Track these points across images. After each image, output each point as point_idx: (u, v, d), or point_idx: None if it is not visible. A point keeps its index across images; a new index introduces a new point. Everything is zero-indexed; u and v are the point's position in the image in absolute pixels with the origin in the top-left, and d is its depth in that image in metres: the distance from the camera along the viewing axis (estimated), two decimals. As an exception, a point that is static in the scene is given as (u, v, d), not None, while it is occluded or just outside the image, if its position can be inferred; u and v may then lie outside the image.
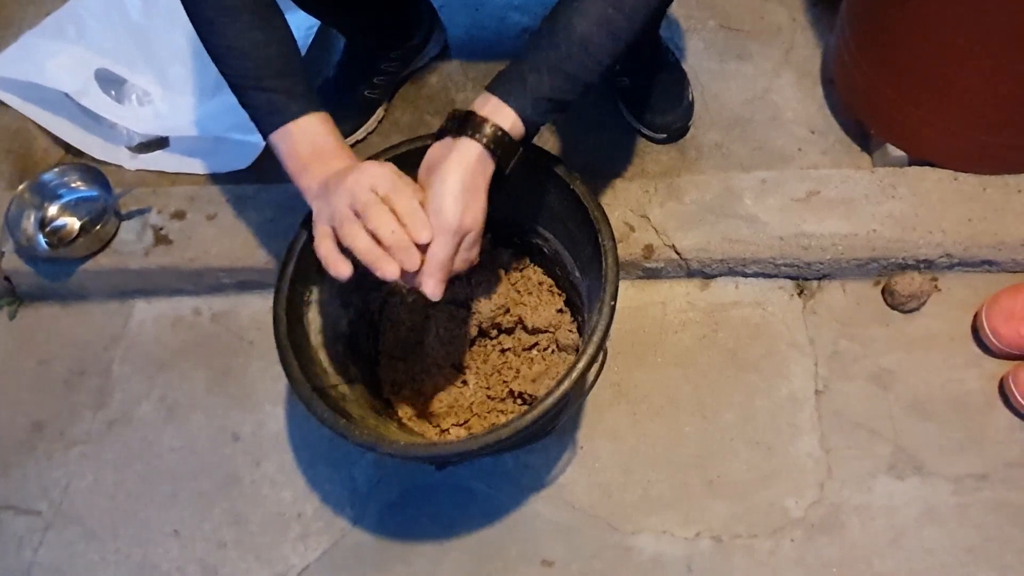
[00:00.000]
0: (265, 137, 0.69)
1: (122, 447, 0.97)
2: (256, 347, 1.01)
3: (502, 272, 0.88)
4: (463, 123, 0.63)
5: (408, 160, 0.79)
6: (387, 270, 0.60)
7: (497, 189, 0.65)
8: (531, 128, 0.65)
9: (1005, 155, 0.90)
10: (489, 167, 0.63)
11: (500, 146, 0.62)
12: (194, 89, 1.13)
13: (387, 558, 0.87)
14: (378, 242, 0.61)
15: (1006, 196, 0.91)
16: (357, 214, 0.61)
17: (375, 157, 0.78)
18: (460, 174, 0.61)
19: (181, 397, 0.99)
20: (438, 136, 0.65)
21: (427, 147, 0.79)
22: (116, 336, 1.04)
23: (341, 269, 0.62)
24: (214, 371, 1.00)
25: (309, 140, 0.67)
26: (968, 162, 0.92)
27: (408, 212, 0.61)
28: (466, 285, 0.87)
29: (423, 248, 0.61)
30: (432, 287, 0.61)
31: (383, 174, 0.62)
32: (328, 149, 0.68)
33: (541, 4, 1.20)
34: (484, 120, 0.62)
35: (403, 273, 0.61)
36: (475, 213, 0.63)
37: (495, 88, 0.64)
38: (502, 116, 0.63)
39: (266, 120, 0.68)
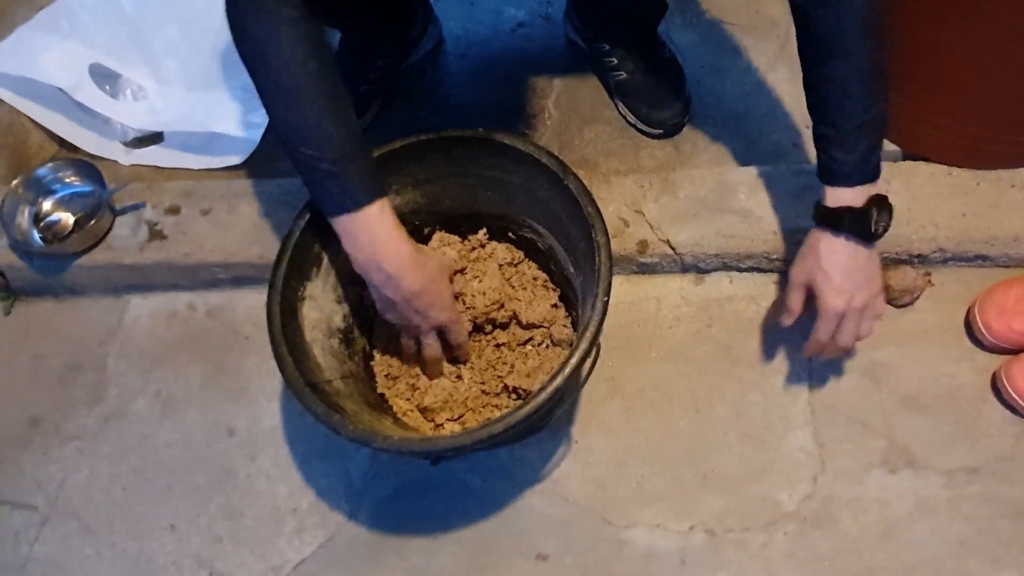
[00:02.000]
0: (328, 215, 0.71)
1: (117, 442, 0.97)
2: (251, 342, 1.01)
3: (497, 267, 0.88)
4: (828, 222, 0.76)
5: (403, 156, 0.80)
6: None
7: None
8: (875, 176, 0.75)
9: (998, 150, 0.90)
10: (857, 245, 0.75)
11: (856, 221, 0.74)
12: (189, 84, 1.13)
13: (382, 552, 0.88)
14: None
15: (999, 191, 0.92)
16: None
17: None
18: (838, 262, 0.76)
19: (176, 392, 0.99)
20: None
21: (420, 143, 0.80)
22: (111, 331, 1.04)
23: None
24: (209, 366, 1.00)
25: (373, 228, 0.70)
26: (961, 157, 0.92)
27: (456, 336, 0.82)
28: (460, 280, 0.87)
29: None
30: (814, 350, 0.83)
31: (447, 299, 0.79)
32: (389, 238, 0.71)
33: (536, -1, 1.20)
34: (831, 210, 0.75)
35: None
36: (866, 289, 0.76)
37: (827, 182, 0.76)
38: (842, 198, 0.74)
39: (330, 204, 0.70)
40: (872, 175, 0.74)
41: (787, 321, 0.83)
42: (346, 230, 0.70)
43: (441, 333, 0.81)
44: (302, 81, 0.66)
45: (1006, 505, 0.84)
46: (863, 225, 0.74)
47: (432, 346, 0.80)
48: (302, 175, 0.70)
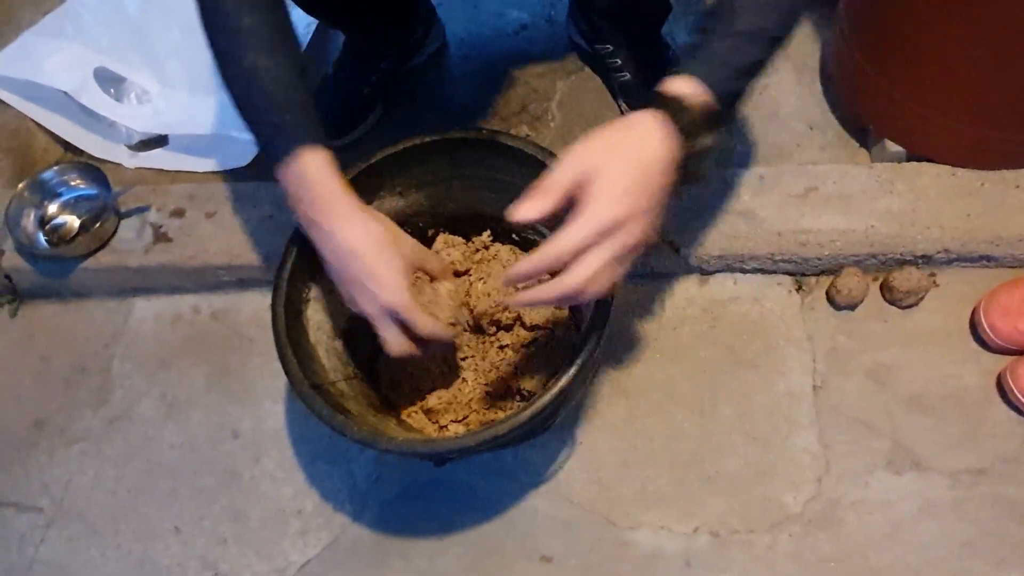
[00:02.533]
0: (272, 168, 0.67)
1: (123, 444, 0.97)
2: (256, 344, 1.01)
3: (501, 269, 0.88)
4: (664, 103, 0.57)
5: (406, 158, 0.80)
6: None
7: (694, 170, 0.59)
8: (724, 100, 0.58)
9: (1003, 150, 0.90)
10: (671, 148, 0.56)
11: (682, 117, 0.56)
12: (193, 87, 1.13)
13: (386, 554, 0.88)
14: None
15: (1004, 191, 0.92)
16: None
17: (374, 156, 0.79)
18: (637, 157, 0.55)
19: (181, 394, 1.00)
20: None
21: (424, 145, 0.80)
22: (116, 334, 1.05)
23: (409, 348, 0.67)
24: (214, 368, 1.01)
25: (304, 179, 0.64)
26: (966, 157, 0.92)
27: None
28: (465, 282, 0.88)
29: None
30: (516, 272, 0.58)
31: (394, 279, 0.64)
32: (322, 190, 0.64)
33: (539, 1, 1.20)
34: (664, 95, 0.57)
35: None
36: (646, 210, 0.55)
37: (678, 69, 0.59)
38: (683, 86, 0.57)
39: (267, 155, 0.66)
40: (730, 116, 0.61)
41: (527, 214, 0.56)
42: (283, 182, 0.65)
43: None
44: (237, 31, 0.64)
45: (1012, 506, 0.83)
46: (710, 128, 0.57)
47: (394, 341, 0.66)
48: (249, 129, 0.67)
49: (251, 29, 0.64)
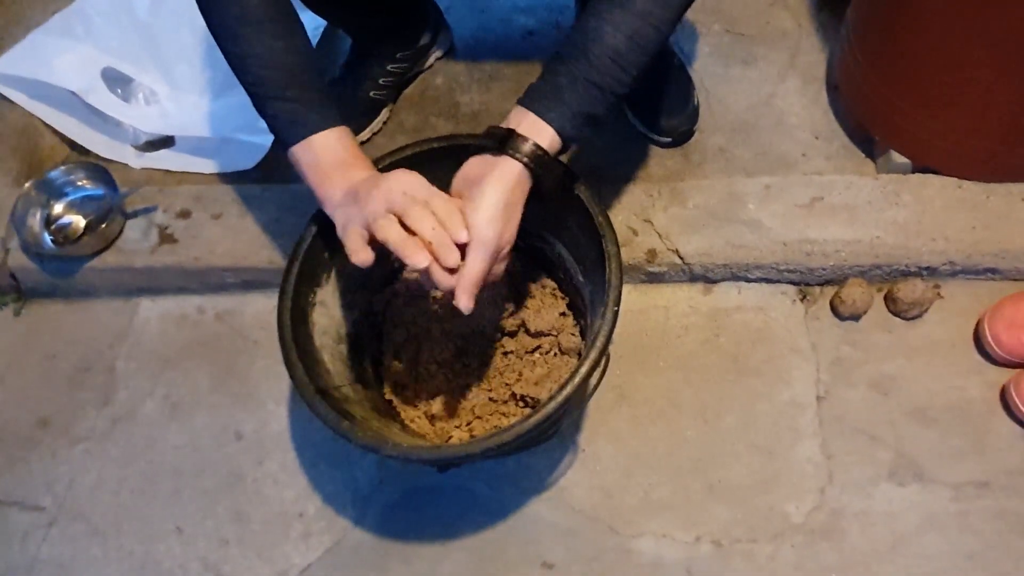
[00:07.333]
0: (286, 147, 0.70)
1: (126, 444, 0.98)
2: (260, 346, 1.02)
3: (506, 276, 0.88)
4: (503, 141, 0.64)
5: (413, 163, 0.79)
6: (418, 258, 0.62)
7: (533, 203, 0.66)
8: (567, 144, 0.66)
9: (1009, 163, 0.90)
10: (527, 184, 0.65)
11: (540, 165, 0.64)
12: (201, 89, 1.13)
13: (388, 558, 0.88)
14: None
15: (1009, 204, 0.92)
16: (394, 215, 0.63)
17: (381, 159, 0.79)
18: (501, 192, 0.63)
19: (185, 395, 1.00)
20: (476, 151, 0.66)
21: (432, 150, 0.80)
22: (121, 334, 1.05)
23: (364, 256, 0.65)
24: (218, 370, 1.01)
25: (331, 152, 0.69)
26: (972, 170, 0.92)
27: (446, 214, 0.63)
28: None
29: (460, 248, 0.63)
30: (465, 301, 0.63)
31: (418, 180, 0.65)
32: (349, 160, 0.69)
33: (546, 7, 1.20)
34: (524, 138, 0.63)
35: (431, 276, 0.63)
36: (512, 230, 0.65)
37: (532, 103, 0.65)
38: (541, 134, 0.64)
39: (288, 131, 0.69)
40: (571, 128, 0.64)
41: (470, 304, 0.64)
42: (296, 162, 0.69)
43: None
44: (246, 16, 0.67)
45: (1015, 519, 0.83)
46: (556, 161, 0.65)
47: (393, 228, 0.63)
48: (257, 109, 0.70)
49: (262, 14, 0.66)
